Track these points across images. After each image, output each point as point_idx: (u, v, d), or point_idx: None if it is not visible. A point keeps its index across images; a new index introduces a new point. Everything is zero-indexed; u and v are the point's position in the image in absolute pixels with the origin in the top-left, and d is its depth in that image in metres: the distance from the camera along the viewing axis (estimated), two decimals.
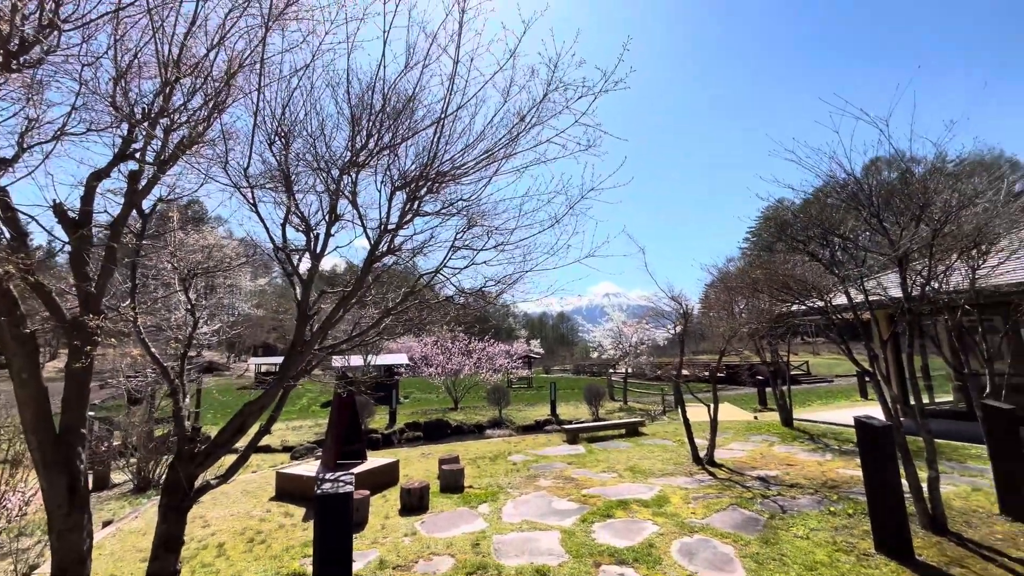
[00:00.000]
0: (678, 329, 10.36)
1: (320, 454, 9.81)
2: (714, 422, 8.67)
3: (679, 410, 9.23)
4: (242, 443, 3.91)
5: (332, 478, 3.35)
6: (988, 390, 7.88)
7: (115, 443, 9.46)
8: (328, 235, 3.83)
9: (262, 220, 3.43)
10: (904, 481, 5.01)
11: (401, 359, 26.32)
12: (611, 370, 26.55)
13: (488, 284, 3.74)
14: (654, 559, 4.75)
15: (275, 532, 6.02)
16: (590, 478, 7.82)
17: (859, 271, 5.67)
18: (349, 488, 3.21)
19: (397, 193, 3.42)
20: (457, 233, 3.63)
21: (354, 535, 5.71)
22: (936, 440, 6.26)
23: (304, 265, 4.16)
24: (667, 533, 5.36)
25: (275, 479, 7.98)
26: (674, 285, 10.08)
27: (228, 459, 4.58)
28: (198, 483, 3.45)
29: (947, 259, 5.78)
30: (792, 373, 23.01)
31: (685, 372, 13.97)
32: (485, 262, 3.84)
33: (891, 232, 5.46)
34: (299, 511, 6.78)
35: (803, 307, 9.59)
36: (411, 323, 4.21)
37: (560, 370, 55.06)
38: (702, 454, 8.46)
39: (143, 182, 3.39)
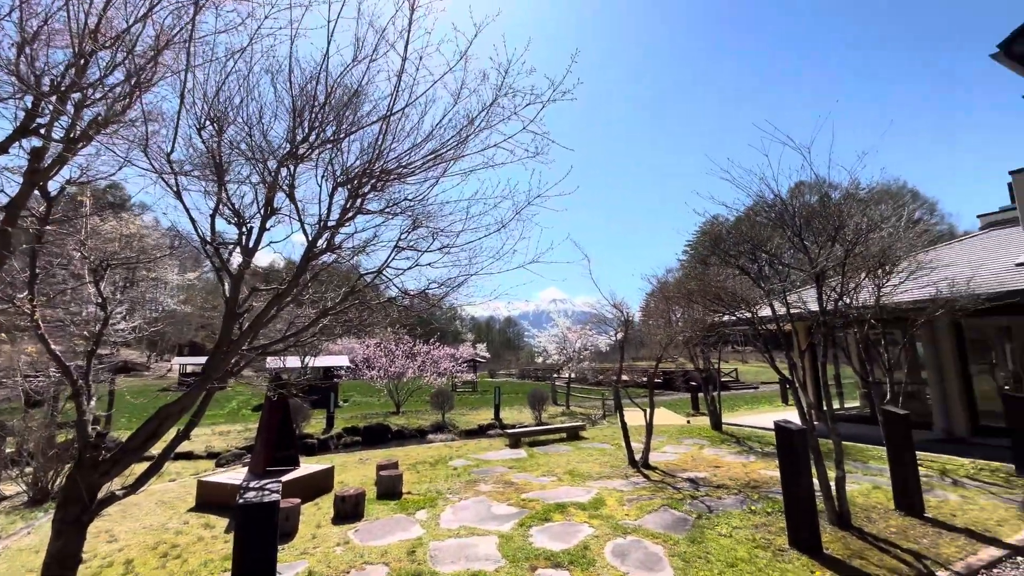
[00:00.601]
0: (619, 336, 10.70)
1: (248, 461, 9.24)
2: (649, 426, 9.00)
3: (618, 415, 9.50)
4: (158, 449, 3.60)
5: (257, 486, 3.13)
6: (888, 397, 8.71)
7: (8, 450, 8.45)
8: (263, 229, 3.63)
9: (187, 210, 3.18)
10: (815, 480, 5.41)
11: (341, 361, 25.40)
12: (555, 375, 26.97)
13: (432, 286, 3.68)
14: (588, 561, 4.84)
15: (193, 546, 5.59)
16: (530, 482, 7.87)
17: (782, 285, 6.10)
18: (275, 496, 3.02)
19: (339, 189, 3.29)
20: (402, 233, 3.54)
21: (282, 546, 5.44)
22: (844, 442, 6.82)
23: (236, 260, 3.92)
24: (602, 535, 5.48)
25: (196, 488, 7.42)
26: (617, 293, 10.39)
27: (141, 467, 4.20)
28: (102, 494, 3.13)
29: (857, 277, 6.34)
30: (723, 380, 24.38)
31: (625, 377, 14.44)
32: (430, 264, 3.78)
33: (810, 250, 5.93)
34: (222, 522, 6.33)
35: (733, 318, 10.19)
36: (351, 324, 4.06)
37: (506, 374, 55.25)
38: (638, 457, 8.75)
39: (47, 161, 3.05)
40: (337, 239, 3.44)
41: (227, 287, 3.35)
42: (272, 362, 21.04)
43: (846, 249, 5.46)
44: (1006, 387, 9.91)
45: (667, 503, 6.50)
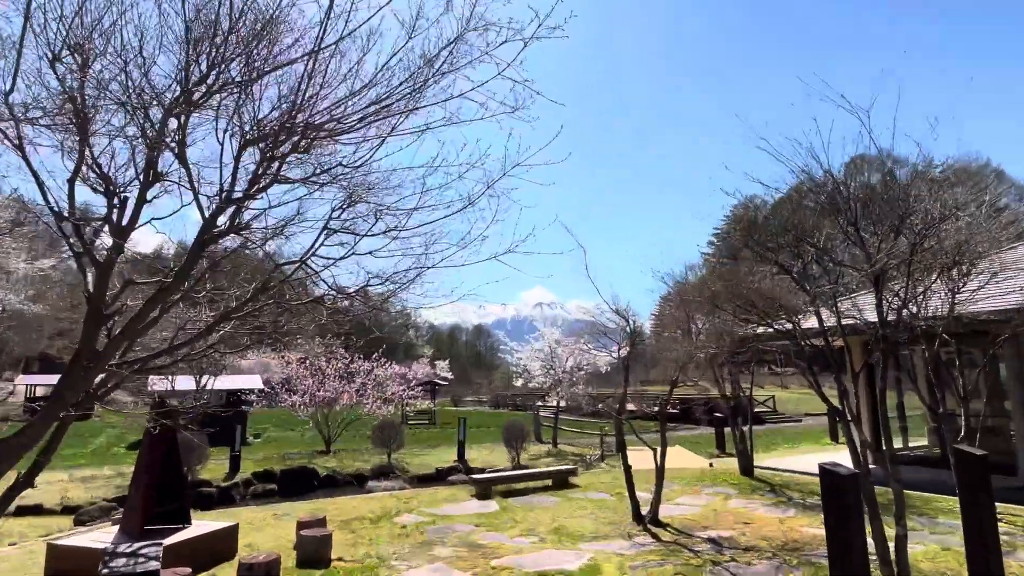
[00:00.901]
0: (624, 352, 10.81)
1: (120, 517, 8.98)
2: (660, 471, 9.11)
3: (620, 455, 9.60)
4: None
5: (128, 551, 3.03)
6: (963, 433, 9.04)
7: None
8: (142, 200, 3.53)
9: (32, 171, 3.05)
10: (869, 540, 5.56)
11: (253, 382, 25.00)
12: (539, 403, 27.07)
13: (374, 281, 3.62)
14: None
15: None
16: (503, 544, 7.89)
17: (833, 288, 6.25)
18: (154, 565, 2.93)
19: (248, 149, 3.21)
20: (334, 211, 3.48)
21: None
22: (907, 491, 7.03)
23: (106, 242, 3.81)
24: None
25: (45, 555, 7.16)
26: (621, 296, 10.49)
27: None
28: None
29: (926, 278, 6.54)
30: (756, 410, 24.92)
31: (631, 407, 14.60)
32: (371, 252, 3.73)
33: (869, 244, 6.09)
34: None
35: (770, 330, 10.40)
36: (263, 332, 3.97)
37: (474, 401, 55.28)
38: (645, 511, 8.86)
39: None
40: (245, 216, 3.37)
41: (91, 278, 3.24)
42: (156, 383, 20.60)
43: (913, 243, 5.63)
44: None
45: (681, 571, 6.60)
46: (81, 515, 11.25)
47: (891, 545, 5.85)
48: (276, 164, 3.25)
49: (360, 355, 22.44)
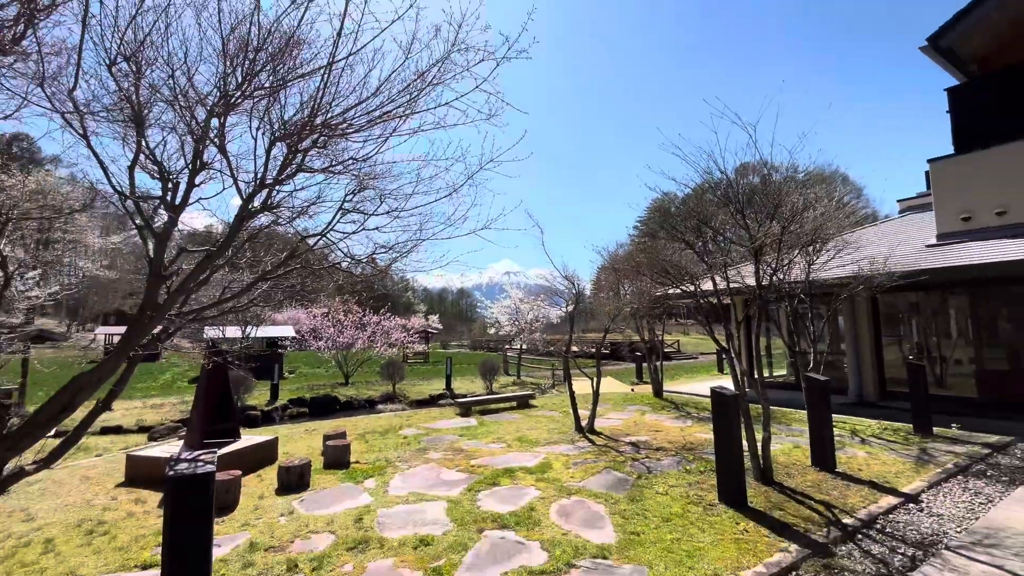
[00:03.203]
0: (570, 308, 10.89)
1: (184, 434, 8.78)
2: (596, 394, 9.32)
3: (566, 383, 9.77)
4: (76, 422, 3.31)
5: (190, 457, 2.95)
6: (811, 365, 9.43)
7: None
8: (191, 185, 3.31)
9: (97, 158, 2.82)
10: (744, 442, 5.82)
11: (287, 331, 24.48)
12: (507, 346, 27.28)
13: (380, 251, 3.53)
14: (534, 521, 5.00)
15: (122, 522, 5.29)
16: (480, 449, 8.00)
17: (724, 259, 6.37)
18: (210, 468, 2.86)
19: (277, 144, 3.04)
20: (347, 195, 3.34)
21: (223, 518, 5.26)
22: (772, 407, 7.35)
23: (163, 219, 3.59)
24: (547, 497, 5.67)
25: (125, 463, 6.99)
26: (569, 265, 10.52)
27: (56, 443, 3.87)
28: (8, 469, 2.86)
29: (791, 253, 6.71)
30: (665, 350, 25.58)
31: (574, 348, 14.82)
32: (377, 228, 3.61)
33: (751, 227, 6.20)
34: (155, 497, 6.01)
35: (678, 290, 10.60)
36: (293, 290, 3.84)
37: (458, 345, 55.35)
38: (584, 424, 9.07)
39: None
40: (277, 199, 3.21)
41: (151, 247, 3.05)
42: (210, 332, 19.96)
43: (783, 226, 5.75)
44: (910, 356, 10.99)
45: (610, 465, 6.80)
46: (153, 433, 10.92)
47: (758, 445, 6.13)
48: (300, 156, 3.07)
49: (371, 310, 22.12)
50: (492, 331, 26.32)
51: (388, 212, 3.45)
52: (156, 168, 3.31)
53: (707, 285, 7.72)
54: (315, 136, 2.93)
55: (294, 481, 6.17)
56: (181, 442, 7.55)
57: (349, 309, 21.29)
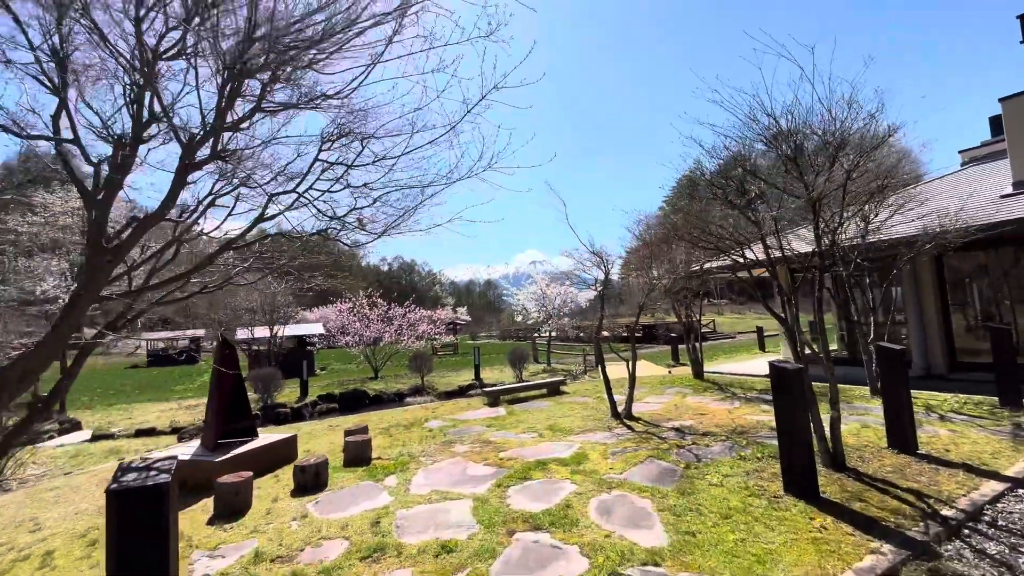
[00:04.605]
0: (599, 288, 10.12)
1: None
2: (632, 377, 8.58)
3: (599, 368, 9.05)
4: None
5: (139, 466, 2.44)
6: (871, 336, 8.42)
7: None
8: (139, 139, 2.77)
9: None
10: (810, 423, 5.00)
11: (315, 329, 24.51)
12: (535, 334, 26.63)
13: (364, 208, 2.90)
14: (571, 521, 4.37)
15: None
16: (509, 440, 7.40)
17: (775, 216, 5.49)
18: (164, 478, 2.32)
19: (226, 74, 2.45)
20: (324, 141, 2.73)
21: (232, 524, 4.83)
22: (825, 384, 6.47)
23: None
24: (585, 492, 5.02)
25: None
26: (596, 241, 9.75)
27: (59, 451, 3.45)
28: None
29: (856, 204, 5.77)
30: (702, 331, 24.44)
31: (605, 332, 14.05)
32: (366, 184, 2.99)
33: (806, 178, 5.30)
34: None
35: (716, 264, 9.67)
36: (264, 261, 3.28)
37: (487, 336, 55.15)
38: (621, 409, 8.36)
39: None
40: (233, 147, 2.62)
41: (93, 214, 2.51)
42: (242, 333, 20.04)
43: (848, 169, 4.84)
44: (988, 322, 9.75)
45: (653, 454, 6.09)
46: (182, 434, 10.84)
47: (826, 427, 5.30)
48: (260, 90, 2.47)
49: (396, 303, 21.86)
50: (519, 319, 25.74)
51: (374, 162, 2.81)
52: (102, 127, 2.76)
53: (751, 254, 6.83)
54: (265, 58, 2.31)
55: (310, 481, 5.71)
56: (197, 443, 7.24)
57: (374, 303, 21.06)
